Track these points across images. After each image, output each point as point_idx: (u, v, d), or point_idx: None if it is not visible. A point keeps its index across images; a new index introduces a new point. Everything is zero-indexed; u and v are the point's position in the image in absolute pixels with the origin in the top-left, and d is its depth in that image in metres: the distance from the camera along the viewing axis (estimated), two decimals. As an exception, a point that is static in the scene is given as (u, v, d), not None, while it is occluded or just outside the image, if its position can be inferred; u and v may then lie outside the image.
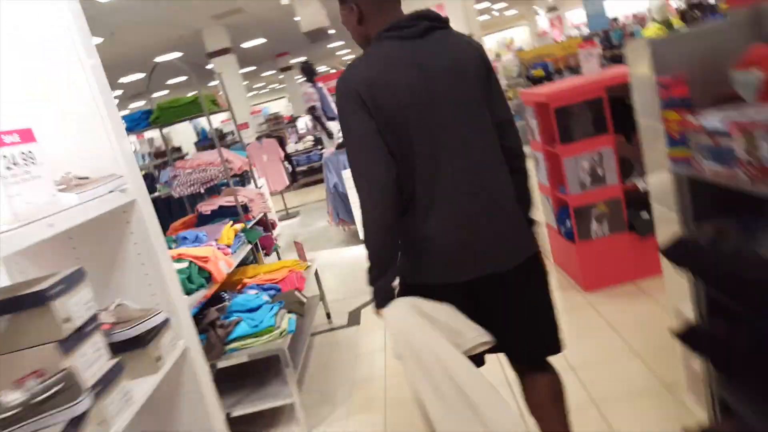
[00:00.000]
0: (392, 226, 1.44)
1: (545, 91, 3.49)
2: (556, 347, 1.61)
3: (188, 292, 2.60)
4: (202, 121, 12.41)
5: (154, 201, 4.21)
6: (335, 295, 4.33)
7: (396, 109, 1.39)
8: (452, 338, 1.38)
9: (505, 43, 20.11)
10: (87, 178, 1.52)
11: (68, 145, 1.55)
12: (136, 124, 3.62)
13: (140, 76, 12.77)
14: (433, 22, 1.46)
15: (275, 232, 6.40)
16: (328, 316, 3.94)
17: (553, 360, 1.65)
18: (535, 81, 8.15)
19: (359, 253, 5.34)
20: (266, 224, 4.69)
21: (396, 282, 1.50)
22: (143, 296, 1.62)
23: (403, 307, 1.44)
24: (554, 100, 3.29)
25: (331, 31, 10.32)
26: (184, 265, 2.65)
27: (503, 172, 1.52)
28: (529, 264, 1.53)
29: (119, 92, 14.48)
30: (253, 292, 3.01)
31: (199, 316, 2.72)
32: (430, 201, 1.44)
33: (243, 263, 3.74)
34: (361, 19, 1.51)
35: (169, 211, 4.91)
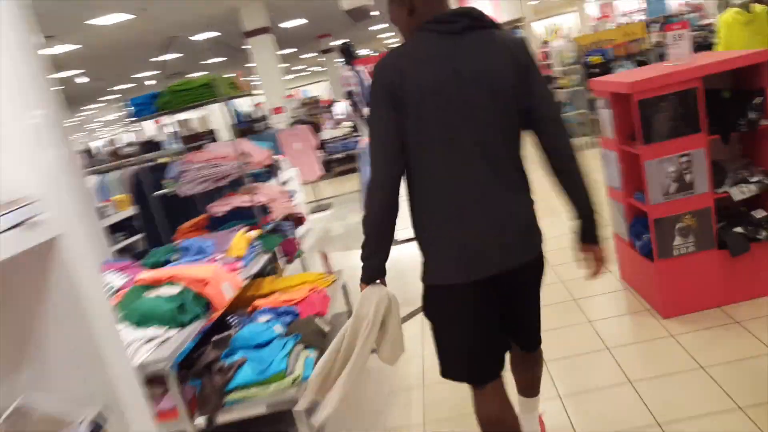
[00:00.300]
0: (389, 215, 1.51)
1: (626, 78, 2.80)
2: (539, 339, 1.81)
3: (181, 324, 2.07)
4: (238, 103, 12.03)
5: (167, 197, 3.76)
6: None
7: (421, 103, 1.42)
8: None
9: (554, 30, 18.92)
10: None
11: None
12: (141, 108, 3.11)
13: (177, 55, 12.46)
14: (474, 21, 1.46)
15: (303, 230, 5.88)
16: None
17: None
18: (592, 68, 7.36)
19: (398, 257, 4.73)
20: (295, 220, 4.17)
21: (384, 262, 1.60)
22: (72, 382, 1.07)
23: (377, 295, 1.59)
24: (639, 91, 2.62)
25: (374, 13, 9.65)
26: (176, 290, 2.12)
27: (519, 176, 1.56)
28: (536, 262, 1.61)
29: (155, 72, 14.22)
30: (264, 318, 2.47)
31: (194, 355, 2.19)
32: (445, 202, 1.48)
33: (260, 274, 3.22)
34: (412, 10, 1.52)
35: (185, 208, 4.39)
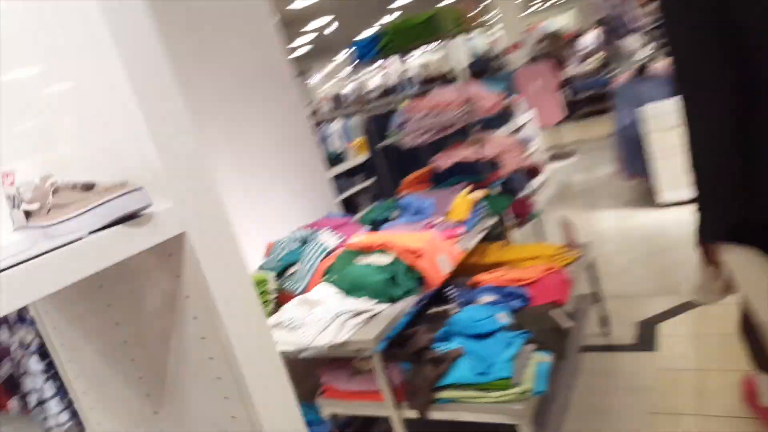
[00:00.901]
0: (729, 142, 1.09)
1: None
2: None
3: (391, 299, 1.80)
4: (473, 42, 11.45)
5: (395, 145, 3.57)
6: (619, 288, 3.07)
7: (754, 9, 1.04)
8: None
9: None
10: (92, 187, 0.73)
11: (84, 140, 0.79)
12: (366, 52, 2.88)
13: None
14: None
15: (538, 181, 5.24)
16: (604, 322, 2.74)
17: None
18: None
19: (660, 222, 3.81)
20: (529, 172, 3.64)
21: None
22: (217, 415, 0.81)
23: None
24: None
25: None
26: (388, 260, 1.84)
27: None
28: None
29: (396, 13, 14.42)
30: (487, 299, 2.05)
31: (406, 332, 1.91)
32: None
33: (485, 238, 2.80)
34: None
35: (413, 157, 4.15)
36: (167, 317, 0.81)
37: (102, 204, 0.67)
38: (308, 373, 2.19)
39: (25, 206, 0.71)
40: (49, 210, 0.71)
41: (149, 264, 0.79)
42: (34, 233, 0.71)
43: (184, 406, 0.85)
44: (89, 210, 0.66)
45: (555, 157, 6.62)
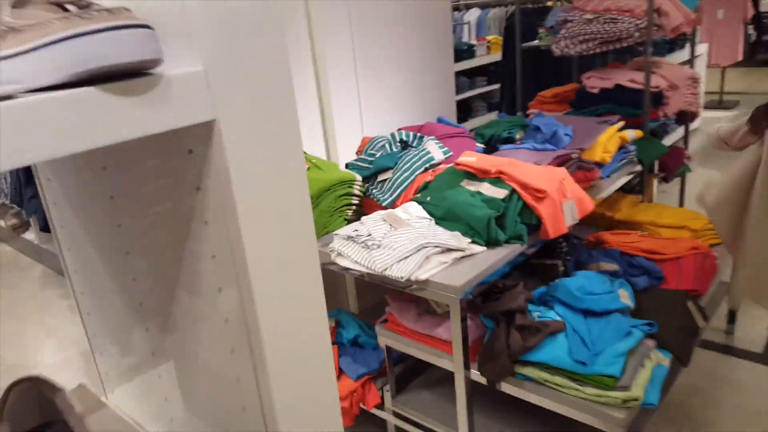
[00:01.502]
0: None
1: None
2: None
3: (491, 242, 1.46)
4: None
5: (539, 51, 2.97)
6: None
7: None
8: None
9: None
10: (87, 5, 0.42)
11: None
12: None
13: None
14: None
15: (689, 129, 4.42)
16: (732, 317, 2.26)
17: None
18: None
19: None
20: (687, 115, 3.01)
21: None
22: (223, 376, 0.56)
23: None
24: None
25: None
26: (502, 193, 1.48)
27: None
28: None
29: None
30: (608, 267, 1.66)
31: (495, 285, 1.58)
32: None
33: (621, 188, 2.32)
34: None
35: (557, 69, 3.50)
36: (178, 243, 0.53)
37: (66, 38, 0.36)
38: (373, 289, 1.96)
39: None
40: (5, 34, 0.41)
41: (162, 158, 0.50)
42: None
43: (187, 365, 0.60)
44: (42, 46, 0.36)
45: (711, 105, 5.61)
